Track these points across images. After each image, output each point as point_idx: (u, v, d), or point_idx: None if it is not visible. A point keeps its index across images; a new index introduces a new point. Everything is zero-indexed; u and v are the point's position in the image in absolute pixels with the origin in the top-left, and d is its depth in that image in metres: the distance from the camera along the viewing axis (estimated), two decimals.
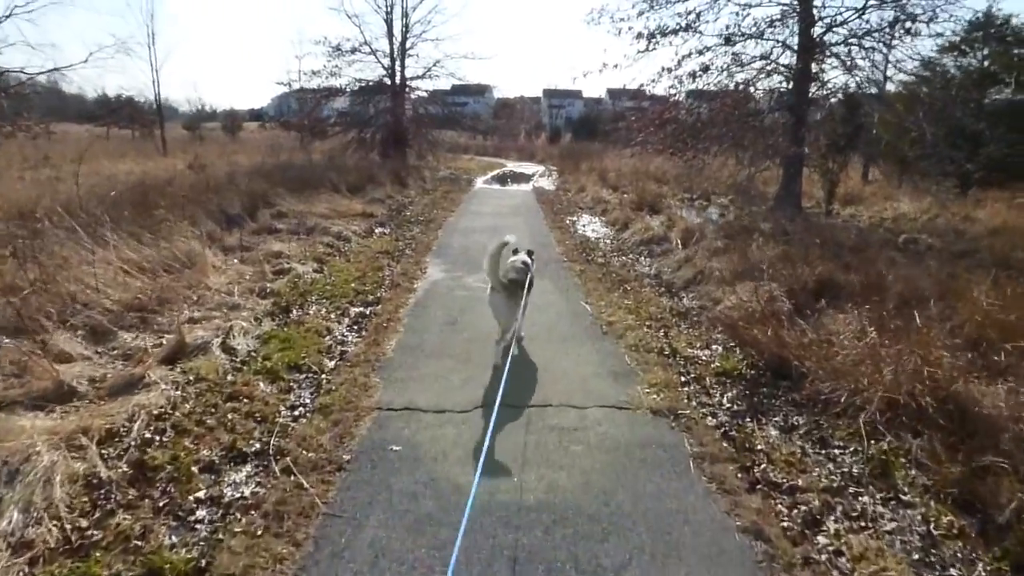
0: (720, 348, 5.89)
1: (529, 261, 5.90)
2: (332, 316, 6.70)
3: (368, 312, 6.90)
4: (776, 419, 4.50)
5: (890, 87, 15.40)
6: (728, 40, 12.80)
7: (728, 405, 4.75)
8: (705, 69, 12.94)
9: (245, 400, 4.58)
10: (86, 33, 39.26)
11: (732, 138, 14.29)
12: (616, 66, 14.00)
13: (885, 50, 12.77)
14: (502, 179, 26.47)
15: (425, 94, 28.31)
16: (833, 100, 13.72)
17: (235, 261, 8.51)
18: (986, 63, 19.62)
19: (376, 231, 11.86)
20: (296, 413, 4.49)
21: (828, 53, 13.08)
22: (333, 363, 5.43)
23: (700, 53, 13.19)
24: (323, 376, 5.13)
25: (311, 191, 14.67)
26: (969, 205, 15.53)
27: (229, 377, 4.98)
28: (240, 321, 6.03)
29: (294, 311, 6.78)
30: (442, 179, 22.72)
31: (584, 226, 13.45)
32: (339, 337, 6.09)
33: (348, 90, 26.25)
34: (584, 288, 8.09)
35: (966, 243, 10.82)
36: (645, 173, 23.15)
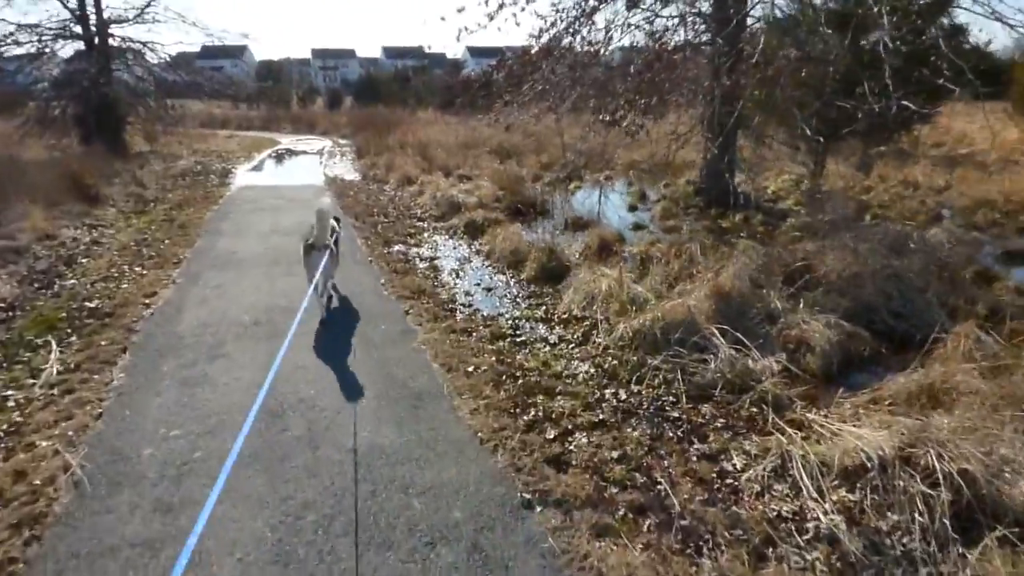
0: None
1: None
2: None
3: None
4: None
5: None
6: None
7: None
8: None
9: None
10: None
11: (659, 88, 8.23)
12: None
13: None
14: (277, 164, 18.08)
15: (157, 57, 18.61)
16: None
17: None
18: None
19: None
20: None
21: None
22: None
23: None
24: None
25: None
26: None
27: None
28: None
29: None
30: (180, 174, 13.92)
31: (475, 286, 6.44)
32: None
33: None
34: None
35: None
36: (478, 144, 16.56)
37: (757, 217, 8.95)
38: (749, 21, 8.94)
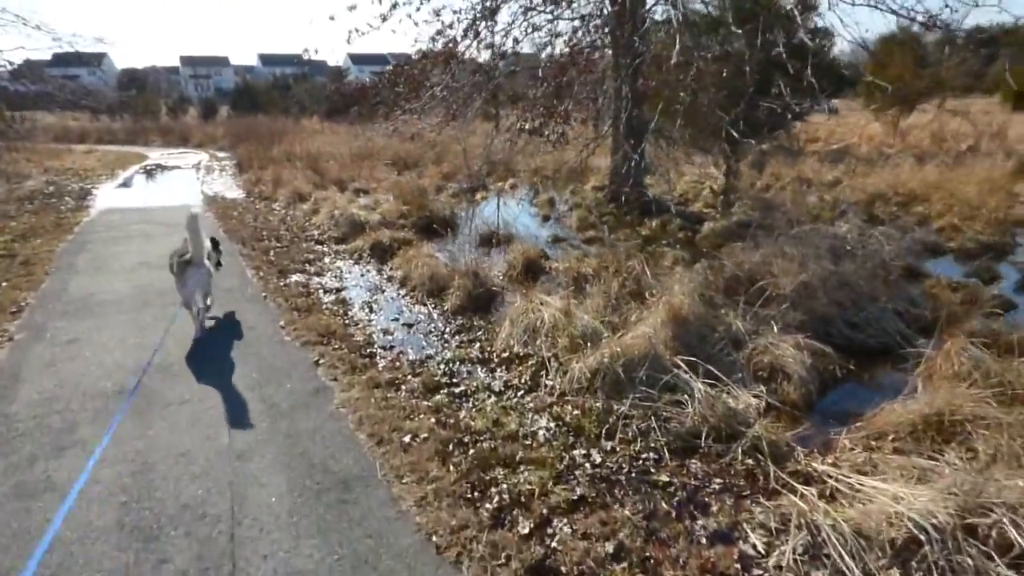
0: None
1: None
2: None
3: None
4: None
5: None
6: None
7: None
8: None
9: None
10: None
11: (572, 91, 7.73)
12: None
13: None
14: (146, 181, 16.04)
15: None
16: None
17: None
18: None
19: None
20: None
21: None
22: None
23: None
24: None
25: None
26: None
27: None
28: None
29: None
30: (27, 197, 11.84)
31: (393, 322, 5.59)
32: None
33: None
34: None
35: None
36: (373, 155, 15.54)
37: (675, 222, 8.64)
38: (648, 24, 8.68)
